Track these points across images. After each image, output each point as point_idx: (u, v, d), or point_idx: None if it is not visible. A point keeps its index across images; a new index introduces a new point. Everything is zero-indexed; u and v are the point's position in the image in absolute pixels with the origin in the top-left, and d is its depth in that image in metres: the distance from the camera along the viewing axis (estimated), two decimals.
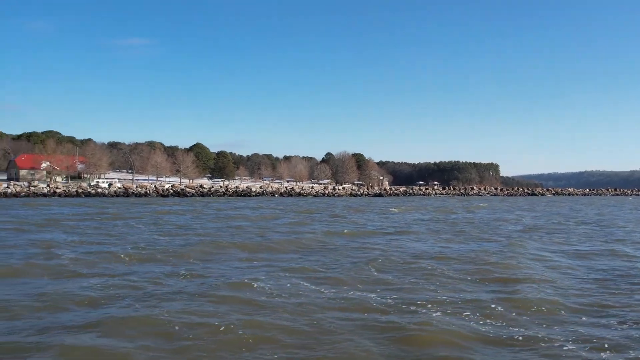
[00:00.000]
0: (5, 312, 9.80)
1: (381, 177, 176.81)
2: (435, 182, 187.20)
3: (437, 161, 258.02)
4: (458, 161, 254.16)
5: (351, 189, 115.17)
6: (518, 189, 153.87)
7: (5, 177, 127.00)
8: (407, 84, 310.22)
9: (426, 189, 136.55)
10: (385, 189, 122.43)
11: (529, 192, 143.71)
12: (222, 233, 24.67)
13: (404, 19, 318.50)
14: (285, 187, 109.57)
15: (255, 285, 12.05)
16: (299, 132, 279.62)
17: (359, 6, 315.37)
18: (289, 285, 12.36)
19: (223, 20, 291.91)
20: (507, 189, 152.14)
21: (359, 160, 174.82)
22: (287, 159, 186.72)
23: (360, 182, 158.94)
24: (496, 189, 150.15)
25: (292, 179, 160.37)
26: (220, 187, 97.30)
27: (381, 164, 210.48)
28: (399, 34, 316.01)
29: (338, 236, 24.09)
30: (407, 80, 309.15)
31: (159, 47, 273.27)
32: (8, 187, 71.81)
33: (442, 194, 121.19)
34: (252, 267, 15.26)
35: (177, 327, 8.90)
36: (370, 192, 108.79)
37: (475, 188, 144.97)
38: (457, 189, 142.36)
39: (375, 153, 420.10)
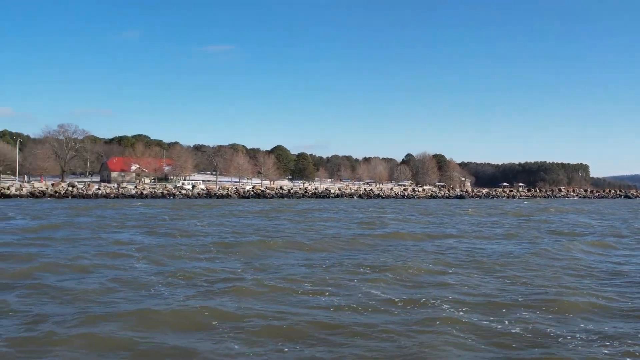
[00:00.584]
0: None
1: (463, 179, 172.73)
2: (520, 184, 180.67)
3: (522, 162, 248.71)
4: (544, 161, 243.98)
5: (431, 191, 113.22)
6: (610, 191, 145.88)
7: (98, 178, 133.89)
8: (489, 82, 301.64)
9: (510, 190, 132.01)
10: (467, 191, 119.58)
11: (621, 194, 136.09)
12: (295, 232, 24.72)
13: (486, 17, 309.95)
14: (364, 189, 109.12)
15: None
16: (378, 133, 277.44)
17: (439, 3, 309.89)
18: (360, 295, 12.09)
19: (303, 25, 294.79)
20: (597, 191, 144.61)
21: (439, 161, 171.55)
22: (366, 160, 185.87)
23: (441, 184, 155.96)
24: (585, 190, 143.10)
25: (372, 181, 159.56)
26: (300, 188, 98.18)
27: (463, 165, 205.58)
28: (483, 31, 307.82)
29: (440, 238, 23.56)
30: (489, 79, 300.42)
31: (242, 53, 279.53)
32: (99, 189, 75.45)
33: (527, 196, 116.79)
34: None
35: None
36: (451, 194, 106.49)
37: (562, 190, 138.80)
38: (544, 190, 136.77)
39: (457, 154, 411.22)
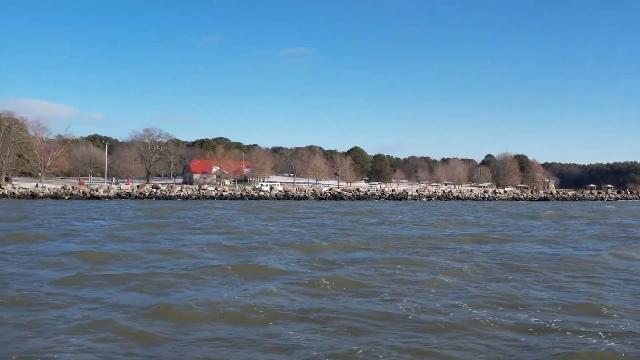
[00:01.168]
0: None
1: (546, 180, 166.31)
2: (609, 185, 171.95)
3: (611, 162, 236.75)
4: (635, 162, 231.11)
5: (513, 193, 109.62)
6: None
7: (181, 180, 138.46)
8: (573, 79, 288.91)
9: (598, 192, 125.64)
10: (551, 193, 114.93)
11: None
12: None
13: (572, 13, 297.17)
14: (443, 191, 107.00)
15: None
16: (457, 134, 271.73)
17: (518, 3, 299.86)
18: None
19: (379, 27, 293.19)
20: None
21: (521, 162, 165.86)
22: (444, 161, 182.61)
23: (524, 185, 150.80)
24: None
25: (450, 182, 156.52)
26: (377, 190, 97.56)
27: (546, 166, 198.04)
28: (572, 28, 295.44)
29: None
30: (573, 76, 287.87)
31: (319, 55, 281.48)
32: (181, 190, 77.88)
33: (617, 198, 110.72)
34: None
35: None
36: (534, 196, 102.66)
37: None
38: (635, 192, 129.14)
39: (540, 154, 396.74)
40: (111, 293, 12.79)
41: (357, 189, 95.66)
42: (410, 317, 10.58)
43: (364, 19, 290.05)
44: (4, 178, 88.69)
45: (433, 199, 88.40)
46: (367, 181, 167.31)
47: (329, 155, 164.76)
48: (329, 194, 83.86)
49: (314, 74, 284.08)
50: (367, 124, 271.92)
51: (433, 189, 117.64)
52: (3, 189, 71.06)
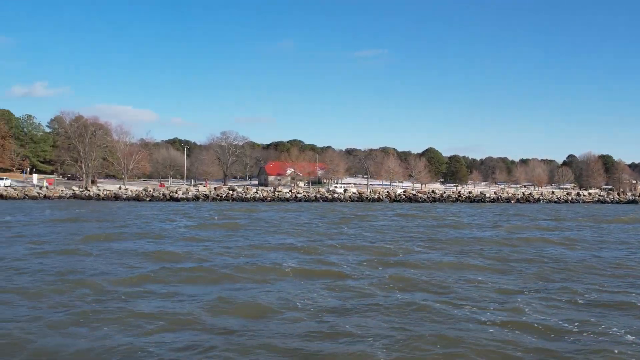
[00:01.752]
0: None
1: (634, 181, 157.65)
2: None
3: None
4: None
5: (598, 195, 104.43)
6: None
7: (256, 182, 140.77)
8: None
9: None
10: (639, 195, 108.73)
11: None
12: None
13: None
14: (523, 193, 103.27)
15: None
16: (537, 134, 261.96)
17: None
18: None
19: (453, 28, 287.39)
20: None
21: (606, 163, 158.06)
22: (523, 162, 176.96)
23: (609, 187, 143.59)
24: None
25: (530, 184, 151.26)
26: (453, 192, 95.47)
27: (633, 166, 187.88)
28: None
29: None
30: None
31: (393, 56, 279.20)
32: (257, 192, 78.95)
33: None
34: None
35: None
36: (621, 199, 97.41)
37: None
38: None
39: (626, 154, 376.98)
40: (187, 289, 13.47)
41: (433, 191, 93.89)
42: None
43: (439, 19, 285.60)
44: (90, 180, 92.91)
45: (512, 201, 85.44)
46: (442, 183, 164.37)
47: (403, 156, 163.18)
48: (404, 196, 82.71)
49: (388, 75, 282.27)
50: (442, 125, 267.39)
51: (512, 190, 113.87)
52: (89, 190, 74.33)
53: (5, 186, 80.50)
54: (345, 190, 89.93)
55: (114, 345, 9.01)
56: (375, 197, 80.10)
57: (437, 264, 17.79)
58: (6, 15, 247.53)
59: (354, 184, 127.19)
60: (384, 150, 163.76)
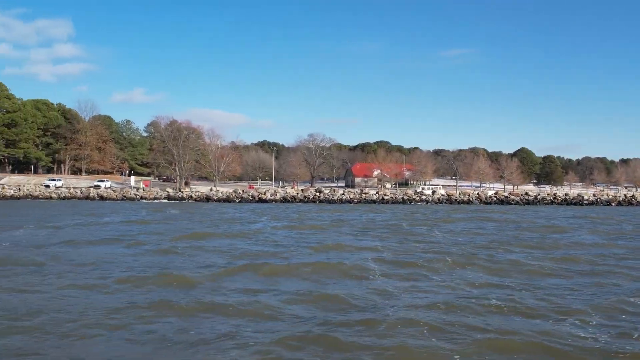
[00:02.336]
0: None
1: None
2: None
3: None
4: None
5: None
6: None
7: (343, 184, 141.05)
8: None
9: None
10: None
11: None
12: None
13: None
14: (624, 195, 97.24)
15: None
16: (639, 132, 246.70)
17: None
18: None
19: (543, 25, 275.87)
20: None
21: None
22: (624, 162, 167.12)
23: None
24: None
25: (631, 185, 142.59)
26: (548, 194, 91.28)
27: None
28: None
29: None
30: None
31: (482, 55, 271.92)
32: (343, 194, 78.87)
33: None
34: None
35: None
36: None
37: None
38: None
39: None
40: (272, 283, 13.90)
41: (526, 193, 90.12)
42: None
43: (528, 16, 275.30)
44: (183, 182, 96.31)
45: (613, 204, 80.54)
46: (536, 184, 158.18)
47: (494, 157, 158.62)
48: (495, 198, 79.96)
49: (477, 73, 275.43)
50: (535, 124, 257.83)
51: (612, 192, 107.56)
52: (182, 192, 76.97)
53: (105, 188, 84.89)
54: (433, 192, 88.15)
55: (207, 334, 9.62)
56: (465, 199, 77.95)
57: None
58: (110, 28, 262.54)
59: (442, 185, 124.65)
60: (474, 151, 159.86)
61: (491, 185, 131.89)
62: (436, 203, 74.48)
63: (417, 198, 77.58)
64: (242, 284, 13.98)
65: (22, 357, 8.32)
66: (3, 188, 75.95)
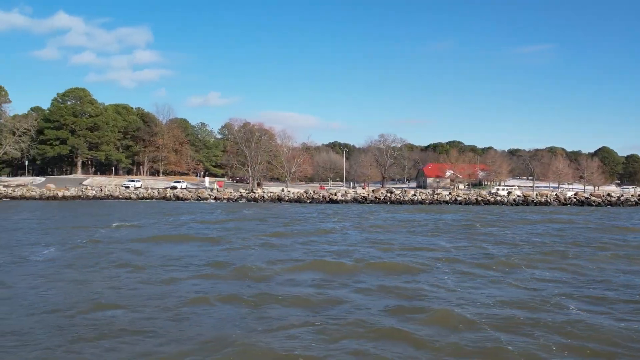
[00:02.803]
0: None
1: None
2: None
3: None
4: None
5: None
6: None
7: (414, 184, 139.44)
8: None
9: None
10: None
11: None
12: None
13: None
14: None
15: None
16: None
17: None
18: None
19: (624, 19, 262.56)
20: None
21: None
22: None
23: None
24: None
25: None
26: (632, 195, 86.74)
27: None
28: None
29: None
30: None
31: (561, 52, 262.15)
32: (415, 195, 77.86)
33: None
34: None
35: None
36: None
37: None
38: None
39: None
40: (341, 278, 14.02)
41: (608, 194, 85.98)
42: None
43: (606, 9, 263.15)
44: (256, 183, 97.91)
45: None
46: (619, 185, 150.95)
47: (572, 156, 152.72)
48: (575, 199, 76.74)
49: (553, 70, 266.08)
50: (616, 122, 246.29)
51: None
52: (255, 193, 78.21)
53: (181, 188, 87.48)
54: (508, 193, 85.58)
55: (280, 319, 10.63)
56: (542, 200, 75.23)
57: None
58: (186, 34, 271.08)
59: (518, 186, 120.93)
60: (551, 150, 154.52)
61: (570, 186, 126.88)
62: (512, 204, 72.27)
63: (492, 199, 75.52)
64: (311, 279, 14.74)
65: (139, 333, 9.66)
66: (86, 188, 79.58)
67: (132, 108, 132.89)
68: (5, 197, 69.70)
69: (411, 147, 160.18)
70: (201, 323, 10.32)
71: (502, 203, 73.13)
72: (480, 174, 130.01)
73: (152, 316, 10.76)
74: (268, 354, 8.65)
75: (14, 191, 72.92)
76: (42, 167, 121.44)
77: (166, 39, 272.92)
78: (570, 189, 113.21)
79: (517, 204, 72.32)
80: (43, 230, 28.14)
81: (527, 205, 71.61)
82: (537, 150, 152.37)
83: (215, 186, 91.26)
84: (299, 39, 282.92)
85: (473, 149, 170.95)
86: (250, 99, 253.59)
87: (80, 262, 17.14)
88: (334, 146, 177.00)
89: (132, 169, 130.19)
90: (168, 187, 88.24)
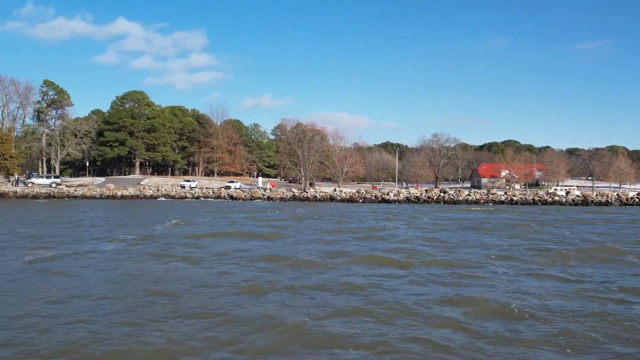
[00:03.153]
0: None
1: None
2: None
3: None
4: None
5: None
6: None
7: (469, 185, 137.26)
8: None
9: None
10: None
11: None
12: None
13: None
14: None
15: None
16: None
17: None
18: None
19: None
20: None
21: None
22: None
23: None
24: None
25: None
26: None
27: None
28: None
29: None
30: None
31: (618, 47, 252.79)
32: (469, 195, 76.66)
33: None
34: None
35: None
36: None
37: None
38: None
39: None
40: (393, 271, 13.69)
41: None
42: None
43: None
44: (308, 183, 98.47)
45: None
46: None
47: (635, 155, 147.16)
48: (637, 199, 73.93)
49: (613, 67, 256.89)
50: None
51: None
52: (307, 192, 78.69)
53: (235, 188, 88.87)
54: (567, 193, 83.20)
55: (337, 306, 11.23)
56: (603, 200, 72.81)
57: None
58: (240, 37, 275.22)
59: (577, 186, 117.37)
60: (612, 150, 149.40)
61: (632, 186, 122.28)
62: (570, 204, 70.27)
63: (549, 199, 73.58)
64: (362, 271, 15.32)
65: (211, 313, 10.56)
66: (143, 188, 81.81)
67: (187, 110, 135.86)
68: (68, 196, 72.41)
69: (465, 147, 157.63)
70: (254, 308, 10.90)
71: (560, 203, 71.20)
72: (537, 174, 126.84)
73: (210, 301, 11.49)
74: (320, 337, 9.06)
75: (76, 191, 75.66)
76: (102, 168, 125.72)
77: (220, 42, 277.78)
78: (633, 189, 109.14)
79: (575, 204, 70.28)
80: (106, 226, 29.34)
81: (587, 205, 69.48)
82: (597, 149, 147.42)
83: (268, 186, 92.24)
84: (350, 39, 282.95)
85: (529, 148, 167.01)
86: (302, 100, 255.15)
87: (142, 255, 18.18)
88: (386, 146, 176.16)
89: (188, 169, 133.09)
90: (222, 187, 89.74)
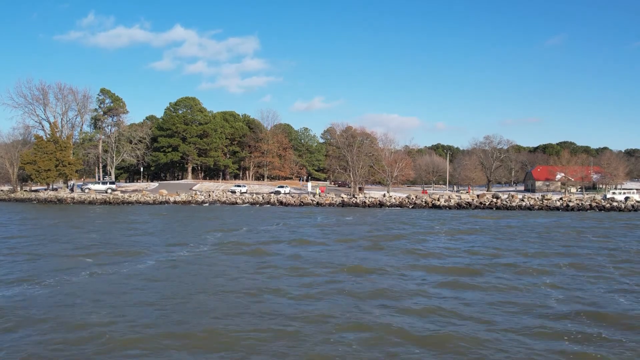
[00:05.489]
0: None
1: None
2: None
3: None
4: None
5: None
6: None
7: (522, 188, 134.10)
8: None
9: None
10: None
11: None
12: None
13: None
14: None
15: None
16: None
17: None
18: None
19: None
20: None
21: None
22: None
23: None
24: None
25: None
26: None
27: None
28: None
29: None
30: None
31: None
32: (522, 200, 74.78)
33: None
34: None
35: None
36: None
37: None
38: None
39: None
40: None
41: None
42: None
43: None
44: (357, 187, 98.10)
45: None
46: None
47: None
48: None
49: None
50: None
51: None
52: (356, 198, 78.45)
53: (284, 193, 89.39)
54: (626, 198, 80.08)
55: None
56: None
57: None
58: (292, 42, 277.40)
59: (636, 189, 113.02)
60: None
61: None
62: (629, 210, 67.69)
63: (607, 204, 70.98)
64: (413, 276, 16.99)
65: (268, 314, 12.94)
66: (195, 194, 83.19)
67: (238, 115, 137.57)
68: (123, 202, 74.37)
69: (518, 149, 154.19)
70: (314, 306, 13.24)
71: (619, 209, 68.65)
72: (594, 176, 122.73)
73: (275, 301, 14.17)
74: (373, 327, 10.86)
75: (130, 196, 77.67)
76: (155, 173, 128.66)
77: (272, 47, 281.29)
78: None
79: (635, 210, 67.69)
80: (170, 234, 31.72)
81: None
82: None
83: (318, 191, 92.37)
84: (401, 40, 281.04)
85: (586, 149, 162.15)
86: (352, 102, 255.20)
87: (218, 261, 20.79)
88: (437, 148, 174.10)
89: (239, 173, 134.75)
90: (272, 192, 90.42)
